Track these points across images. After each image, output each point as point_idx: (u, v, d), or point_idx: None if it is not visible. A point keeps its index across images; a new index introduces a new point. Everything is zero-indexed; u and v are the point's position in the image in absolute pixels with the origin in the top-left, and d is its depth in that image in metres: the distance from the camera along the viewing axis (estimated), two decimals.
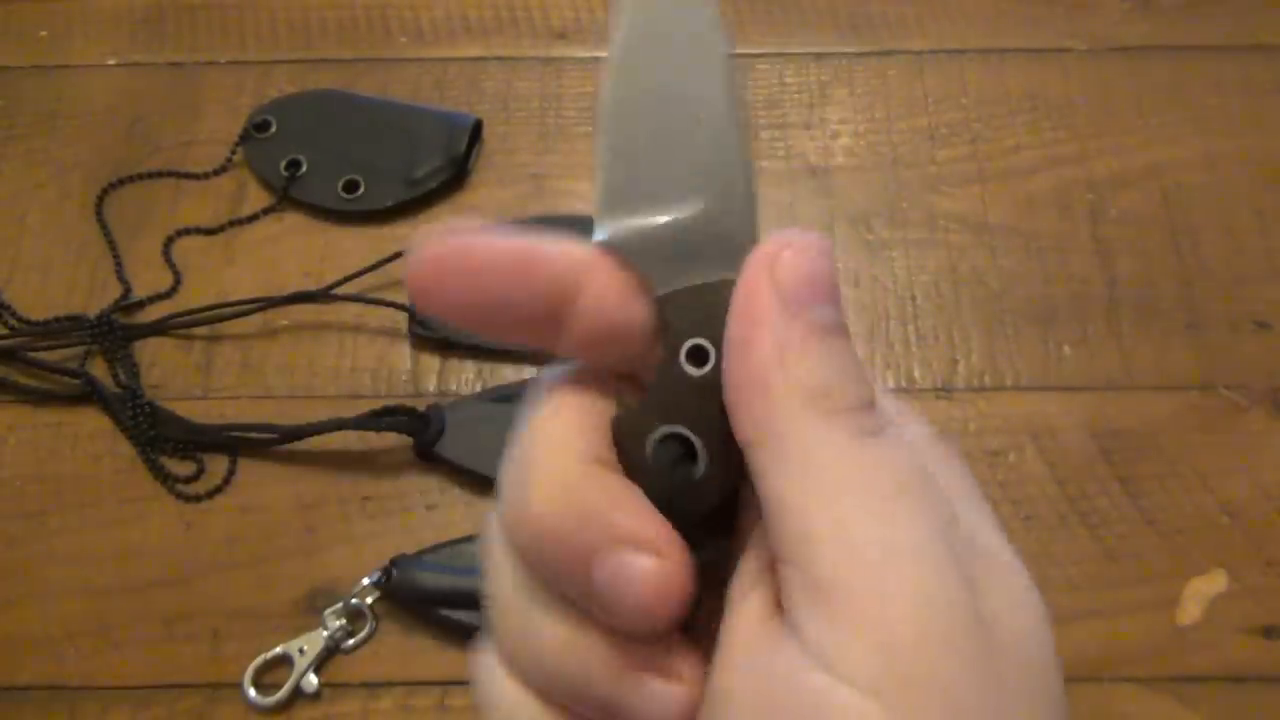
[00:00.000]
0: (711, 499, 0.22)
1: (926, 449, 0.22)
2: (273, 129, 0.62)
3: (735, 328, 0.21)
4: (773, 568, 0.20)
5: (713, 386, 0.21)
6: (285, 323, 0.57)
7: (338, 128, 0.62)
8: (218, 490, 0.53)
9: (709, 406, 0.21)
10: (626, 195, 0.22)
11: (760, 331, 0.20)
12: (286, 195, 0.61)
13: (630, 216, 0.22)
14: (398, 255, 0.58)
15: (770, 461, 0.20)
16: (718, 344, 0.21)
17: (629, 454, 0.22)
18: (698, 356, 0.22)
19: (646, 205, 0.22)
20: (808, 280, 0.20)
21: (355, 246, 0.59)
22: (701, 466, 0.22)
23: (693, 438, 0.22)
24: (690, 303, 0.22)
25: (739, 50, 0.66)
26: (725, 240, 0.22)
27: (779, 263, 0.21)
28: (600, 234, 0.22)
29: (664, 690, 0.21)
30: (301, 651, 0.48)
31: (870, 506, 0.19)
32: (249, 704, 0.47)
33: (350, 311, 0.57)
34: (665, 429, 0.21)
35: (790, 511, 0.19)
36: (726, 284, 0.21)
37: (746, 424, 0.20)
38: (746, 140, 0.22)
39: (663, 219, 0.22)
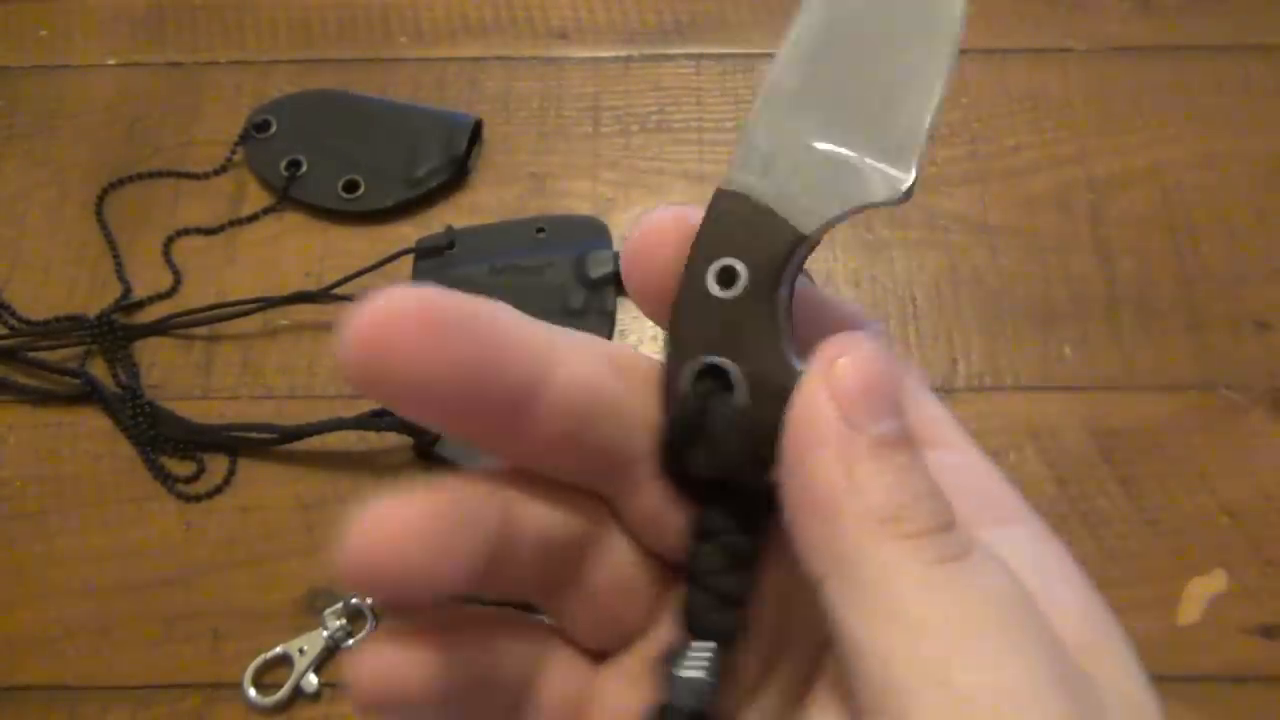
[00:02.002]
0: (756, 432, 0.20)
1: (1025, 551, 0.20)
2: (273, 129, 0.62)
3: (793, 446, 0.19)
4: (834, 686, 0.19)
5: (744, 311, 0.20)
6: (285, 323, 0.57)
7: (338, 128, 0.62)
8: (218, 490, 0.53)
9: (743, 331, 0.20)
10: (799, 104, 0.21)
11: (822, 451, 0.18)
12: (286, 195, 0.61)
13: (788, 124, 0.21)
14: (398, 255, 0.58)
15: (845, 597, 0.18)
16: (752, 268, 0.20)
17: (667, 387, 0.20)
18: (726, 278, 0.20)
19: (811, 124, 0.21)
20: (870, 391, 0.18)
21: (355, 246, 0.59)
22: (740, 396, 0.20)
23: (728, 366, 0.20)
24: (734, 216, 0.20)
25: (740, 51, 0.66)
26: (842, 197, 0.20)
27: (836, 372, 0.19)
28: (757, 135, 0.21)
29: None
30: (301, 651, 0.48)
31: (968, 647, 0.17)
32: (249, 704, 0.47)
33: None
34: (704, 360, 0.20)
35: (873, 658, 0.17)
36: (784, 226, 0.20)
37: (813, 554, 0.18)
38: (933, 122, 0.21)
39: (821, 145, 0.20)
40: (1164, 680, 0.53)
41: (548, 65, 0.66)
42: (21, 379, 0.55)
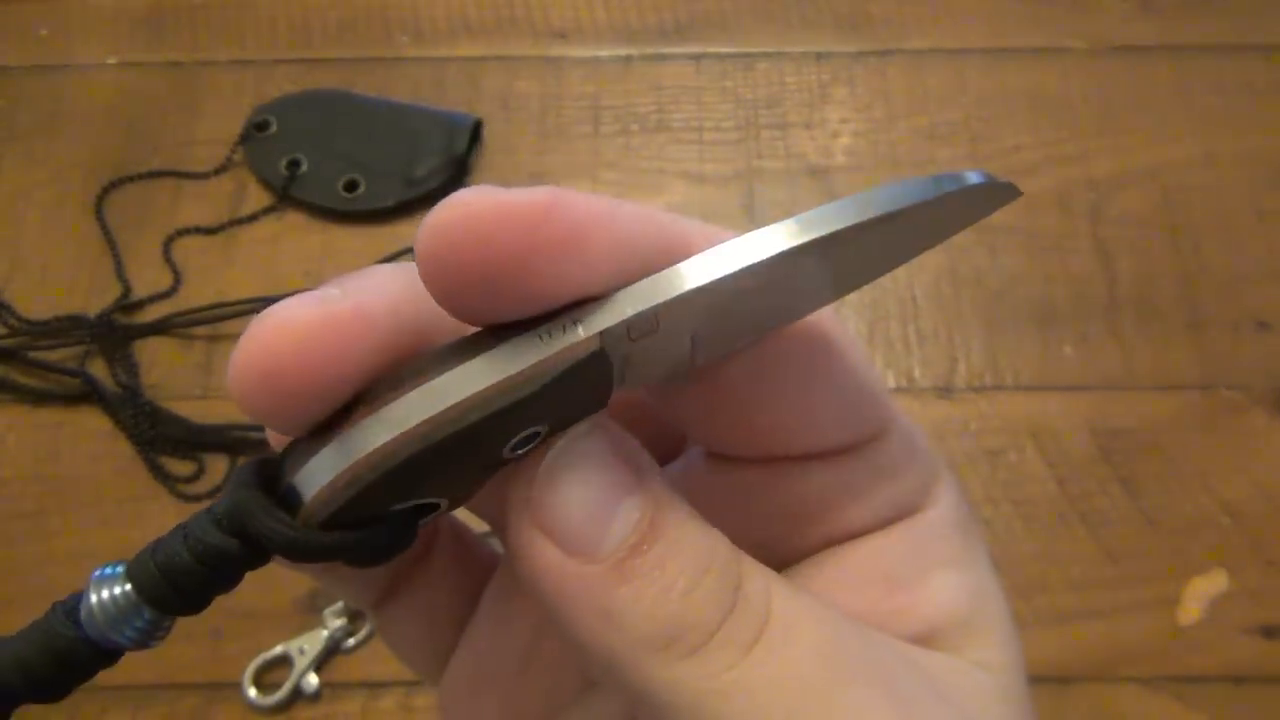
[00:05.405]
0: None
1: (899, 548, 0.20)
2: (273, 129, 0.62)
3: (540, 598, 0.17)
4: None
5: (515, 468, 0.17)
6: None
7: (338, 128, 0.62)
8: (218, 490, 0.53)
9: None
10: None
11: (569, 602, 0.16)
12: (287, 195, 0.61)
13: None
14: (398, 255, 0.57)
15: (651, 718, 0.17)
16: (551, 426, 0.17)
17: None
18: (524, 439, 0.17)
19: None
20: (580, 506, 0.16)
21: (355, 246, 0.59)
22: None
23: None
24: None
25: (740, 50, 0.66)
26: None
27: (539, 508, 0.16)
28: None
29: None
30: (301, 651, 0.48)
31: None
32: (249, 704, 0.47)
33: None
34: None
35: None
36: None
37: (607, 682, 0.17)
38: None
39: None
40: (1164, 680, 0.53)
41: (548, 65, 0.65)
42: (21, 379, 0.55)
